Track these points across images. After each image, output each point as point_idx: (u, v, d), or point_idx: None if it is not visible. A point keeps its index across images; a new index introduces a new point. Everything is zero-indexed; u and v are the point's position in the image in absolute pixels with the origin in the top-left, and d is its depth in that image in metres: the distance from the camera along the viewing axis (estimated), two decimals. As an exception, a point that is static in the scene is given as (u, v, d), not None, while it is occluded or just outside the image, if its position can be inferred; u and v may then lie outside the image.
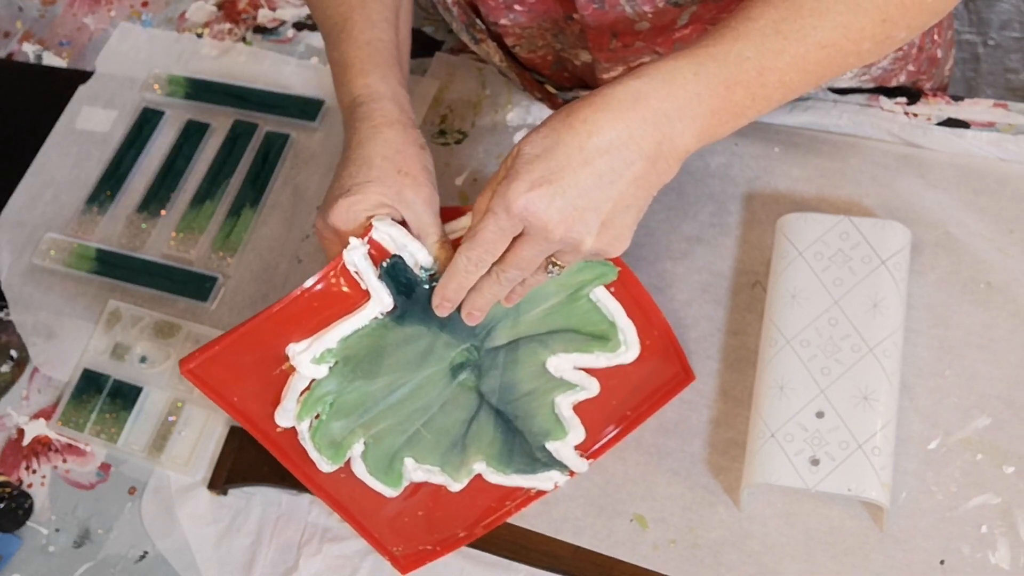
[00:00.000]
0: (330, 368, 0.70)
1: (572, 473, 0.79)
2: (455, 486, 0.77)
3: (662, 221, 0.88)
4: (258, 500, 0.84)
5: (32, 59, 1.13)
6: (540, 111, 0.96)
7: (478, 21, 0.87)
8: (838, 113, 0.89)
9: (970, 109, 0.88)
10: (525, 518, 0.79)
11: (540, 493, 0.79)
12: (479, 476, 0.77)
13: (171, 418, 0.88)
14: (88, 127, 1.07)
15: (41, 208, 1.02)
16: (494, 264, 0.65)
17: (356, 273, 0.67)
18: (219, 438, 0.87)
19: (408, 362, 0.72)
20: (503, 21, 0.85)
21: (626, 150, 0.60)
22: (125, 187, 1.02)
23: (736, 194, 0.88)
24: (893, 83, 0.92)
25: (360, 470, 0.74)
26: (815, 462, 0.72)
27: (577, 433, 0.77)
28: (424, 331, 0.71)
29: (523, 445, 0.77)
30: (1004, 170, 0.85)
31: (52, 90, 1.10)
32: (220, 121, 1.03)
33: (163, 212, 0.99)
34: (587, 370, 0.76)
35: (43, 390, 0.93)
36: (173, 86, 1.06)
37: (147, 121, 1.05)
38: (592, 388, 0.76)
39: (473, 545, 0.79)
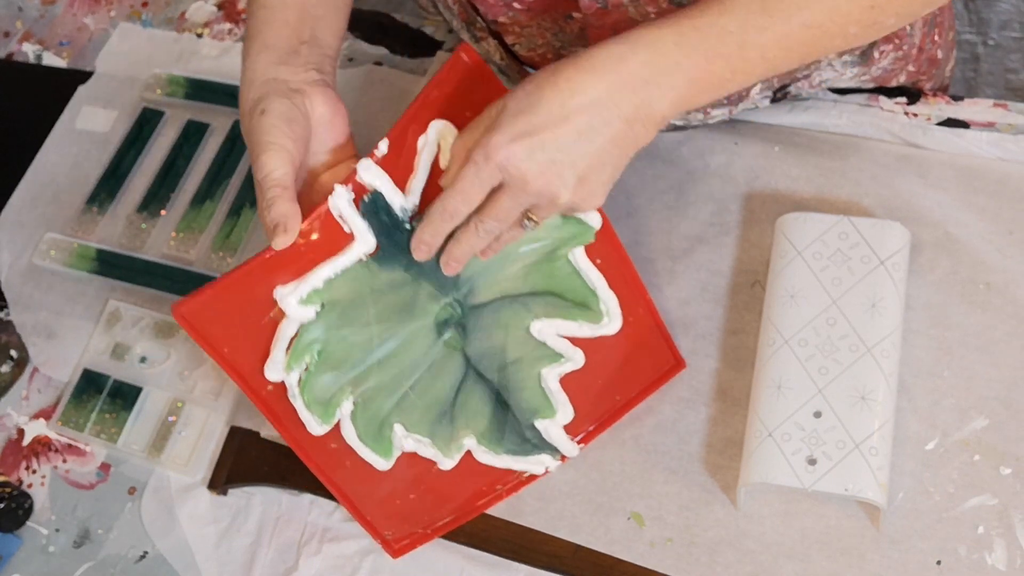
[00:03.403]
0: (317, 313, 0.71)
1: (563, 458, 0.79)
2: (446, 462, 0.77)
3: (662, 220, 0.88)
4: (258, 500, 0.84)
5: (32, 59, 1.13)
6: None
7: (479, 19, 0.87)
8: (838, 113, 0.89)
9: (970, 109, 0.88)
10: (522, 515, 0.79)
11: (532, 478, 0.79)
12: (470, 456, 0.77)
13: (171, 418, 0.88)
14: (88, 127, 1.07)
15: (41, 208, 1.03)
16: (473, 215, 0.66)
17: (340, 217, 0.69)
18: (219, 438, 0.87)
19: (393, 312, 0.72)
20: (502, 19, 0.85)
21: (605, 110, 0.63)
22: (125, 187, 1.02)
23: (736, 193, 0.88)
24: (893, 83, 0.92)
25: (350, 434, 0.74)
26: (812, 462, 0.72)
27: (565, 412, 0.77)
28: (407, 279, 0.72)
29: (513, 423, 0.77)
30: (1004, 170, 0.85)
31: (52, 90, 1.10)
32: (220, 121, 1.03)
33: (163, 212, 0.99)
34: (571, 340, 0.77)
35: (43, 390, 0.93)
36: (173, 86, 1.06)
37: (147, 121, 1.05)
38: (577, 359, 0.77)
39: (473, 545, 0.79)
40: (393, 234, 0.70)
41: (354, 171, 0.68)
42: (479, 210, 0.66)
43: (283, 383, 0.72)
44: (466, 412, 0.77)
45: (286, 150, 0.69)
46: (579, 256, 0.75)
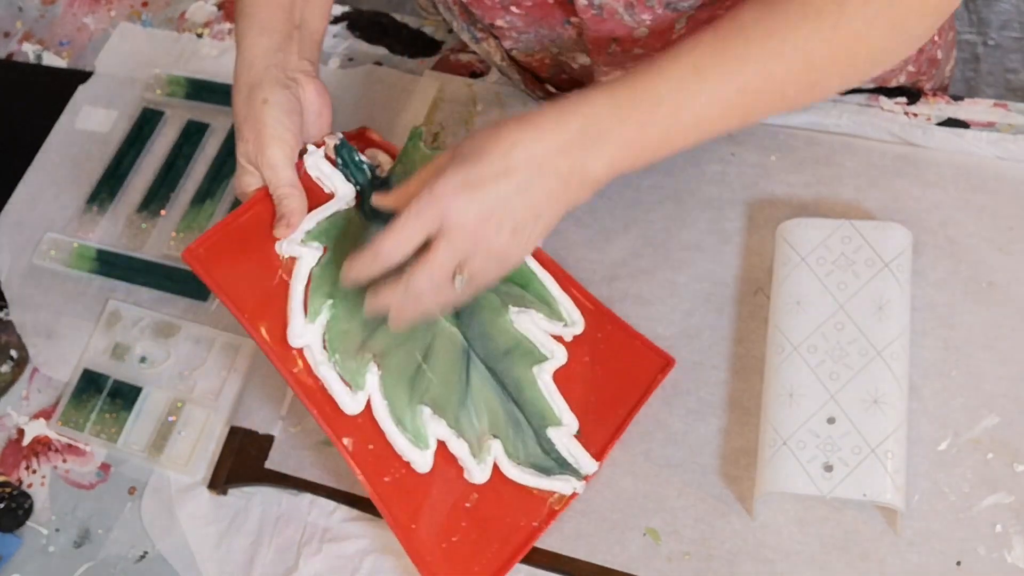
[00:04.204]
0: (321, 262, 0.75)
1: (587, 478, 0.78)
2: (477, 470, 0.76)
3: (660, 230, 0.88)
4: (258, 500, 0.84)
5: (32, 59, 1.13)
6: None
7: (479, 20, 0.87)
8: (838, 113, 0.89)
9: (970, 109, 0.88)
10: (538, 536, 0.77)
11: (562, 503, 0.77)
12: (501, 476, 0.77)
13: (171, 418, 0.88)
14: (88, 127, 1.07)
15: (41, 208, 1.02)
16: (407, 267, 0.67)
17: (318, 178, 0.77)
18: (219, 438, 0.87)
19: None
20: (499, 23, 0.85)
21: (542, 167, 0.66)
22: (125, 187, 1.02)
23: (735, 200, 0.88)
24: (893, 83, 0.92)
25: (383, 414, 0.74)
26: (829, 468, 0.72)
27: (569, 419, 0.78)
28: None
29: (528, 429, 0.77)
30: (1004, 170, 0.85)
31: (52, 90, 1.10)
32: (220, 121, 1.03)
33: (163, 212, 0.99)
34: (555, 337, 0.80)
35: (43, 390, 0.93)
36: (173, 86, 1.06)
37: (147, 121, 1.05)
38: (559, 355, 0.79)
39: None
40: (366, 187, 0.77)
41: (323, 141, 0.77)
42: (413, 262, 0.67)
43: (309, 368, 0.73)
44: (481, 403, 0.77)
45: (289, 145, 0.74)
46: (532, 263, 0.80)
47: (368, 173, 0.78)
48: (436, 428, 0.76)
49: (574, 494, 0.78)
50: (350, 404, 0.74)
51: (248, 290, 0.74)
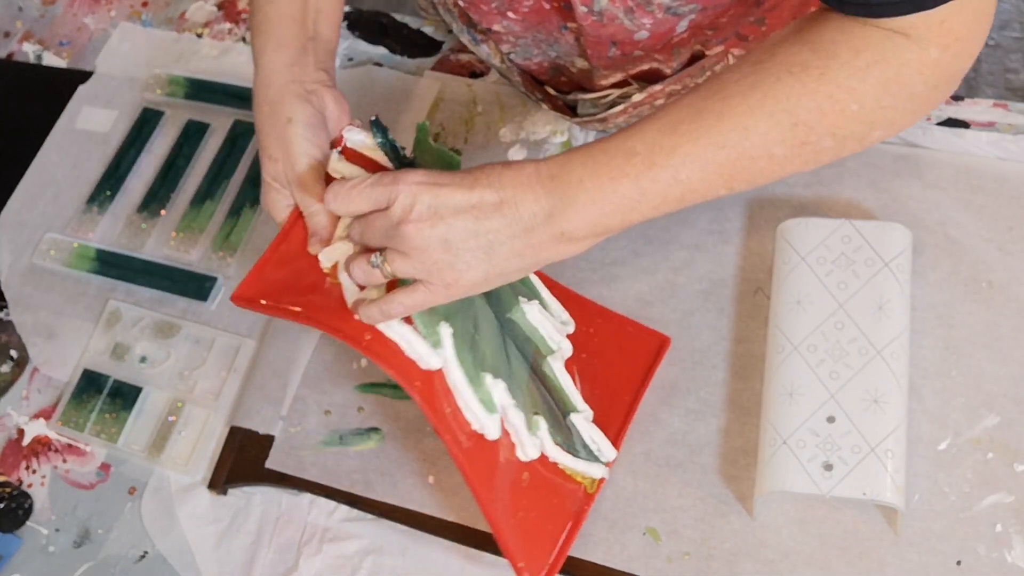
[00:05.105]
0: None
1: (608, 464, 0.78)
2: (530, 444, 0.75)
3: (660, 230, 0.88)
4: (258, 500, 0.84)
5: (32, 59, 1.13)
6: (532, 126, 0.96)
7: (478, 23, 0.87)
8: (838, 113, 0.89)
9: (970, 109, 0.89)
10: None
11: (596, 487, 0.78)
12: (543, 456, 0.77)
13: (171, 418, 0.88)
14: (88, 127, 1.07)
15: (41, 208, 1.02)
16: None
17: (361, 149, 0.77)
18: (219, 438, 0.87)
19: None
20: (496, 28, 0.85)
21: (504, 210, 0.65)
22: (125, 187, 1.02)
23: (734, 200, 0.88)
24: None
25: (457, 374, 0.73)
26: (828, 467, 0.72)
27: (583, 405, 0.78)
28: None
29: (557, 412, 0.78)
30: (1003, 170, 0.85)
31: (52, 90, 1.10)
32: (220, 121, 1.03)
33: (163, 212, 0.99)
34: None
35: (43, 390, 0.93)
36: (173, 86, 1.06)
37: (147, 121, 1.05)
38: (566, 348, 0.79)
39: (473, 545, 0.79)
40: (399, 168, 0.76)
41: (340, 137, 0.77)
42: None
43: (380, 336, 0.72)
44: (520, 380, 0.77)
45: (318, 160, 0.75)
46: None
47: (401, 152, 0.78)
48: (500, 394, 0.75)
49: (603, 479, 0.78)
50: (432, 359, 0.72)
51: (304, 299, 0.74)
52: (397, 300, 0.68)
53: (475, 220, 0.65)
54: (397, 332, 0.71)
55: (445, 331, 0.73)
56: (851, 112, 0.63)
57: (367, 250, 0.70)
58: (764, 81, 0.63)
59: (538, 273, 0.82)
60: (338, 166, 0.76)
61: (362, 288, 0.72)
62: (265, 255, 0.75)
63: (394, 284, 0.71)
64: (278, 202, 0.76)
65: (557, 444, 0.77)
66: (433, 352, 0.72)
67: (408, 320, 0.71)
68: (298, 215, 0.75)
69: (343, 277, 0.73)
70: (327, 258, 0.74)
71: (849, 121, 0.63)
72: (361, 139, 0.77)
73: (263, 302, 0.73)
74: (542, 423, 0.76)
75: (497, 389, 0.74)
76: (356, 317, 0.70)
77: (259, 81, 0.77)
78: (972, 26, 0.61)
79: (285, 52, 0.77)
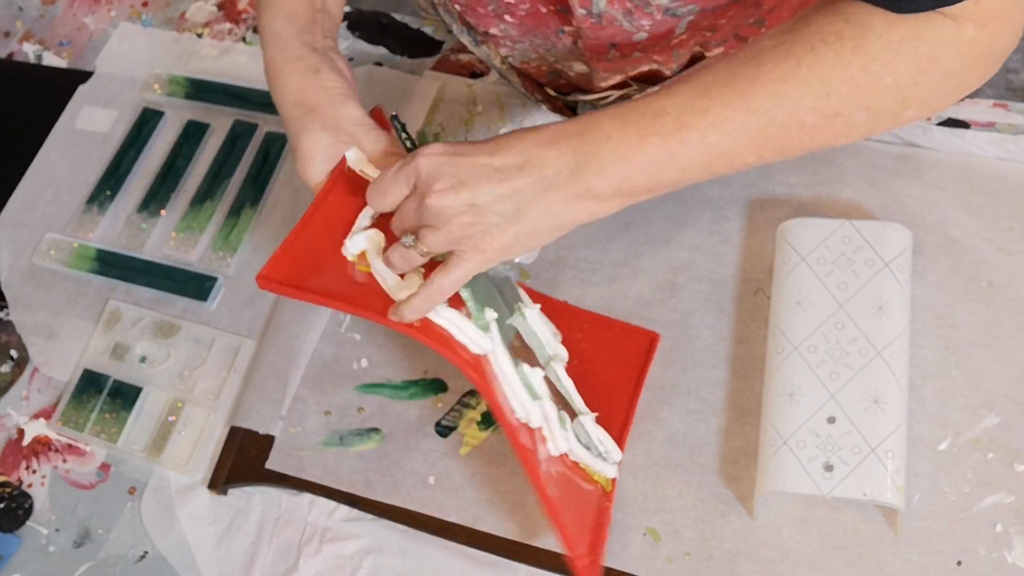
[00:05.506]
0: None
1: (618, 464, 0.78)
2: (561, 436, 0.75)
3: (660, 231, 0.88)
4: (258, 500, 0.84)
5: (32, 59, 1.13)
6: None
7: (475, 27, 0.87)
8: (838, 113, 0.89)
9: (970, 109, 0.89)
10: (537, 535, 0.78)
11: (612, 485, 0.78)
12: (565, 456, 0.76)
13: (171, 418, 0.88)
14: (88, 127, 1.07)
15: (41, 208, 1.02)
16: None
17: (362, 172, 0.74)
18: (219, 438, 0.87)
19: None
20: (493, 31, 0.85)
21: (529, 169, 0.65)
22: (125, 187, 1.02)
23: (734, 200, 0.88)
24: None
25: (503, 357, 0.72)
26: (829, 468, 0.72)
27: (585, 408, 0.78)
28: None
29: (566, 414, 0.77)
30: (1004, 170, 0.85)
31: (52, 90, 1.10)
32: (220, 121, 1.03)
33: (163, 212, 0.99)
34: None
35: (43, 390, 0.93)
36: (173, 86, 1.06)
37: (147, 121, 1.05)
38: (563, 354, 0.78)
39: (473, 545, 0.79)
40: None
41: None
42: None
43: (428, 322, 0.71)
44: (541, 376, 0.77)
45: (361, 108, 0.75)
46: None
47: (416, 144, 0.77)
48: (537, 381, 0.74)
49: (615, 479, 0.78)
50: (484, 341, 0.71)
51: (335, 285, 0.72)
52: (436, 283, 0.67)
53: (499, 182, 0.64)
54: (445, 318, 0.70)
55: (490, 315, 0.72)
56: (884, 86, 0.63)
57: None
58: (798, 49, 0.63)
59: (520, 284, 0.81)
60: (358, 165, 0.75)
61: (402, 276, 0.71)
62: (287, 239, 0.73)
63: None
64: (315, 157, 0.74)
65: (580, 442, 0.77)
66: (483, 335, 0.71)
67: (455, 305, 0.71)
68: (324, 196, 0.74)
69: (378, 265, 0.72)
70: (353, 247, 0.73)
71: (883, 95, 0.63)
72: (358, 157, 0.76)
73: (288, 288, 0.71)
74: (567, 419, 0.76)
75: (536, 377, 0.74)
76: (395, 318, 0.69)
77: (275, 46, 0.77)
78: (1008, 4, 0.62)
79: (296, 21, 0.78)
